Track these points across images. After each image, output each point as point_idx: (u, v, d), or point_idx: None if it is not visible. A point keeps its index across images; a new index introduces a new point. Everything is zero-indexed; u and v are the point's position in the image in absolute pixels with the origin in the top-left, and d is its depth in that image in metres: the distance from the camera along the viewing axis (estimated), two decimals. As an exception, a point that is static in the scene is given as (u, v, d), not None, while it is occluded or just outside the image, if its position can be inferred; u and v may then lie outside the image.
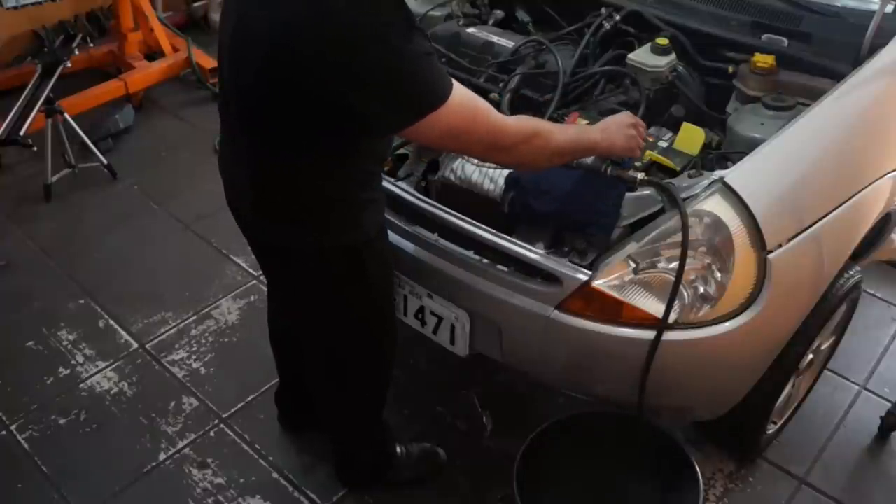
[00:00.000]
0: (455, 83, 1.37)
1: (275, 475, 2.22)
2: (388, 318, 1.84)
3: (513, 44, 2.17)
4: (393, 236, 1.84)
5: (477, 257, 1.76)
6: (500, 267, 1.73)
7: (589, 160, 1.70)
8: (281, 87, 1.36)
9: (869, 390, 2.46)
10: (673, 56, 2.01)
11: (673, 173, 1.79)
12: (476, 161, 1.82)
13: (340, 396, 1.96)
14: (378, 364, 1.90)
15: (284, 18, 1.30)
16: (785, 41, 2.02)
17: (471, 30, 2.27)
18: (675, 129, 1.91)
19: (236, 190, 1.67)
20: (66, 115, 3.28)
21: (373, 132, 1.45)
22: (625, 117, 1.70)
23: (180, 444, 2.30)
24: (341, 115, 1.35)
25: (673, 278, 1.58)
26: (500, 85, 2.07)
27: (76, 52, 3.44)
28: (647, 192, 1.67)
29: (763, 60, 1.95)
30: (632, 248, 1.63)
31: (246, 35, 1.41)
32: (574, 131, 1.65)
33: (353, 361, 1.85)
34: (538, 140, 1.50)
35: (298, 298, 1.77)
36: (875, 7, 1.93)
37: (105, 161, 3.37)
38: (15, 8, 3.47)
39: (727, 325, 1.64)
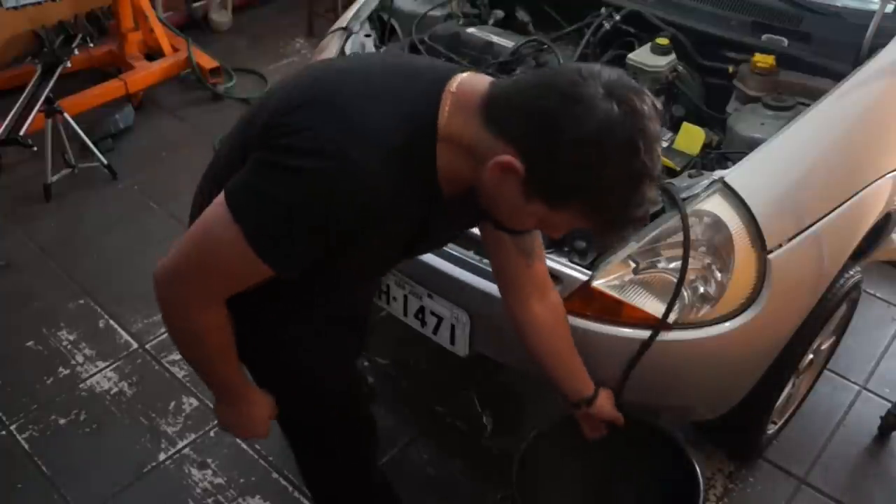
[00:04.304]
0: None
1: (275, 475, 2.22)
2: (331, 411, 1.56)
3: (513, 44, 2.17)
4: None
5: (477, 257, 1.76)
6: (500, 267, 1.73)
7: None
8: None
9: (869, 390, 2.46)
10: (673, 56, 2.01)
11: (673, 173, 1.79)
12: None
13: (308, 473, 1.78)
14: (331, 454, 1.65)
15: None
16: (785, 41, 2.02)
17: (471, 30, 2.26)
18: (675, 129, 1.91)
19: None
20: (66, 115, 3.27)
21: None
22: (257, 414, 1.44)
23: (180, 444, 2.30)
24: None
25: (673, 278, 1.58)
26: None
27: (76, 52, 3.43)
28: (646, 192, 1.67)
29: (763, 60, 1.95)
30: (632, 248, 1.63)
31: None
32: (225, 375, 1.38)
33: (303, 441, 1.65)
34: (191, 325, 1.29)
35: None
36: (875, 7, 1.94)
37: (105, 161, 3.37)
38: (15, 8, 3.46)
39: (727, 325, 1.64)
